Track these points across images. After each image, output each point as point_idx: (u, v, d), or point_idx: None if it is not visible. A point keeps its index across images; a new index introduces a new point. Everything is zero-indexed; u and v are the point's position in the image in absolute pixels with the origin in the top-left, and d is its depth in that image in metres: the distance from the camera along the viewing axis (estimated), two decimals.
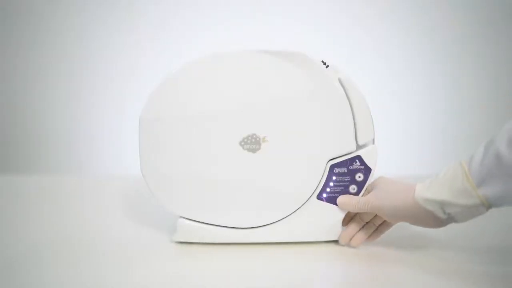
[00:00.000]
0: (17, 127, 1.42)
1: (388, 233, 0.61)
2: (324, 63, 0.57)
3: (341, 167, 0.57)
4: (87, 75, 1.39)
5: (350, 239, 0.58)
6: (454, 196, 0.47)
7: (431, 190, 0.49)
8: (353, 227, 0.58)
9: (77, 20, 1.36)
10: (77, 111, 1.40)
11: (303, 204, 0.58)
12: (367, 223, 0.59)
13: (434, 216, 0.49)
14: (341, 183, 0.58)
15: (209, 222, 0.59)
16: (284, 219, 0.58)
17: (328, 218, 0.59)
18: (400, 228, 0.63)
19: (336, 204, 0.58)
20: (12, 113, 1.42)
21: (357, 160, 0.57)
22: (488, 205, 0.46)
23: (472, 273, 0.52)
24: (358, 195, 0.58)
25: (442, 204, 0.48)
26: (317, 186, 0.58)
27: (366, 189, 0.58)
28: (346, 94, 0.56)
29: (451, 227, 0.57)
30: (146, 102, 0.57)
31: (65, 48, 1.38)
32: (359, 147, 0.57)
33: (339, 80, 0.56)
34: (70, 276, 0.52)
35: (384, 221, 0.58)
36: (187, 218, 0.59)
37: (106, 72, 1.38)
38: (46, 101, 1.40)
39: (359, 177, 0.57)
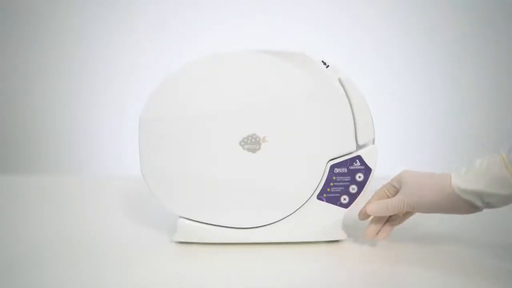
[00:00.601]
0: (17, 127, 1.42)
1: (390, 232, 0.61)
2: (324, 63, 0.57)
3: (341, 167, 0.57)
4: (87, 75, 1.38)
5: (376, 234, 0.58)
6: (493, 186, 0.48)
7: (468, 181, 0.50)
8: (377, 223, 0.58)
9: (77, 20, 1.36)
10: (77, 111, 1.40)
11: (303, 204, 0.58)
12: (390, 216, 0.58)
13: (472, 205, 0.50)
14: (341, 183, 0.58)
15: (209, 222, 0.59)
16: (284, 219, 0.58)
17: (328, 218, 0.59)
18: (401, 227, 0.63)
19: (336, 204, 0.58)
20: (12, 113, 1.42)
21: (357, 160, 0.57)
22: None
23: (478, 270, 0.52)
24: (358, 196, 0.58)
25: (480, 195, 0.49)
26: (317, 186, 0.58)
27: (393, 186, 0.57)
28: (346, 94, 0.56)
29: (456, 223, 0.57)
30: (146, 102, 0.57)
31: (65, 48, 1.38)
32: (359, 147, 0.57)
33: (339, 80, 0.56)
34: (70, 276, 0.52)
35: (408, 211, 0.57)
36: (187, 218, 0.59)
37: (106, 72, 1.38)
38: (46, 101, 1.40)
39: (359, 177, 0.57)
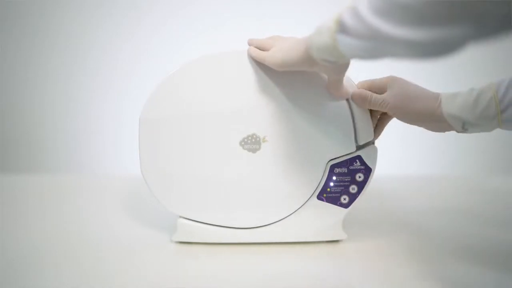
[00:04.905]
0: (17, 127, 1.42)
1: (389, 233, 0.61)
2: None
3: (341, 167, 0.57)
4: (87, 74, 1.39)
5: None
6: (479, 118, 0.50)
7: (458, 107, 0.51)
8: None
9: (77, 19, 1.36)
10: (77, 111, 1.40)
11: (303, 204, 0.58)
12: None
13: (450, 127, 0.53)
14: (341, 183, 0.58)
15: (209, 222, 0.59)
16: (284, 219, 0.58)
17: (328, 218, 0.59)
18: (401, 228, 0.63)
19: (336, 204, 0.58)
20: (12, 113, 1.42)
21: (357, 160, 0.57)
22: (500, 126, 0.50)
23: (479, 268, 0.52)
24: (358, 195, 0.58)
25: (464, 122, 0.51)
26: (317, 186, 0.58)
27: (378, 87, 0.56)
28: None
29: (456, 221, 0.57)
30: (146, 102, 0.57)
31: (65, 48, 1.38)
32: (359, 147, 0.57)
33: None
34: (69, 276, 0.52)
35: (385, 114, 0.58)
36: (187, 218, 0.59)
37: (106, 72, 1.38)
38: (46, 101, 1.40)
39: (359, 177, 0.57)
